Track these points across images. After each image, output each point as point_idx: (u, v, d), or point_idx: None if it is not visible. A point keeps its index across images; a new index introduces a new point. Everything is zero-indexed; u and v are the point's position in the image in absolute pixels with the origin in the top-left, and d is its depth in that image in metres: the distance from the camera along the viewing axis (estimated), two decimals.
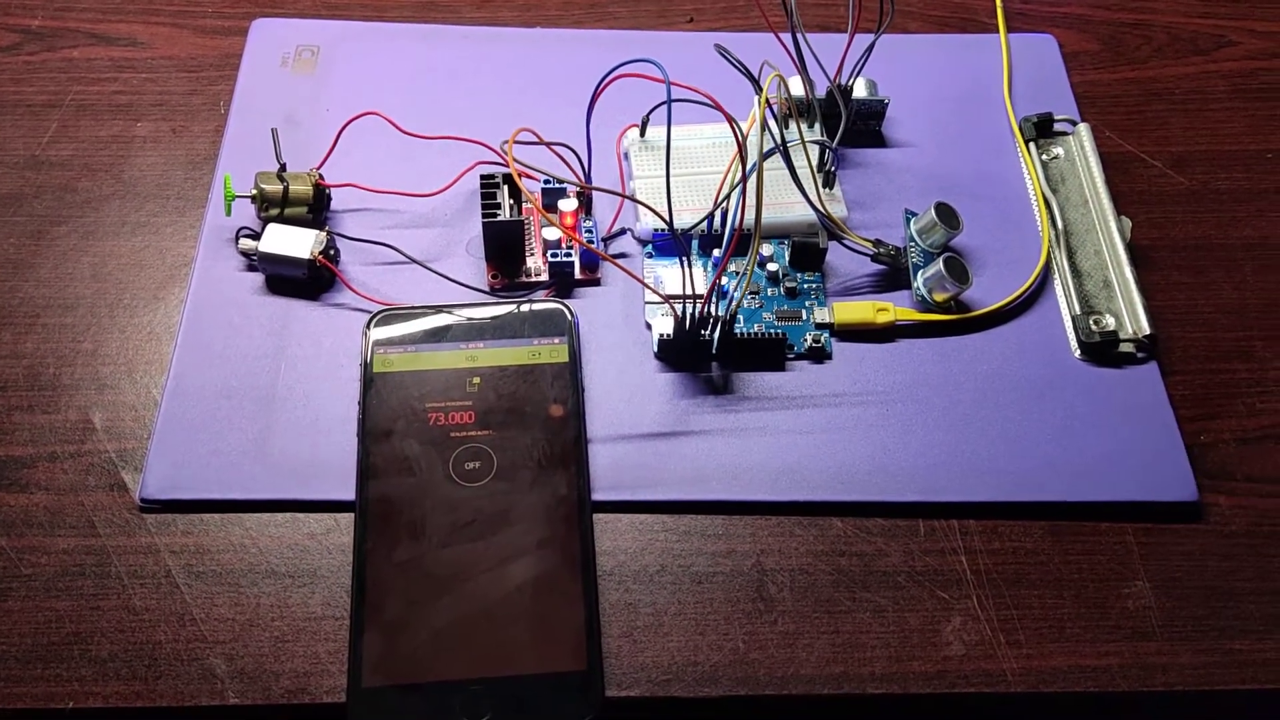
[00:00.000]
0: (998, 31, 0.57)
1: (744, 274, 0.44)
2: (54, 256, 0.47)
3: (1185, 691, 0.39)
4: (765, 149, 0.42)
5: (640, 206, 0.48)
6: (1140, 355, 0.46)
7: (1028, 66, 0.56)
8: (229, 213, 0.47)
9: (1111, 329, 0.46)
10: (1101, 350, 0.46)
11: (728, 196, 0.46)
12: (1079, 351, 0.46)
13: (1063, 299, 0.47)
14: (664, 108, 0.42)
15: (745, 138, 0.41)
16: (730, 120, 0.41)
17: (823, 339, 0.46)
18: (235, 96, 0.52)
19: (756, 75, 0.47)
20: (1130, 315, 0.46)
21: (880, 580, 0.41)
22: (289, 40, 0.55)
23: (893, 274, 0.48)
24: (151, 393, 0.44)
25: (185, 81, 0.53)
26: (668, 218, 0.41)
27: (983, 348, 0.46)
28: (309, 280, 0.46)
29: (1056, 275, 0.48)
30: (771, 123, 0.44)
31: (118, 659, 0.38)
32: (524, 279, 0.47)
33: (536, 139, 0.47)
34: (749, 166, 0.41)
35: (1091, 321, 0.46)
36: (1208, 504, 0.43)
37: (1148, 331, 0.45)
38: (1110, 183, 0.50)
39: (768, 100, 0.43)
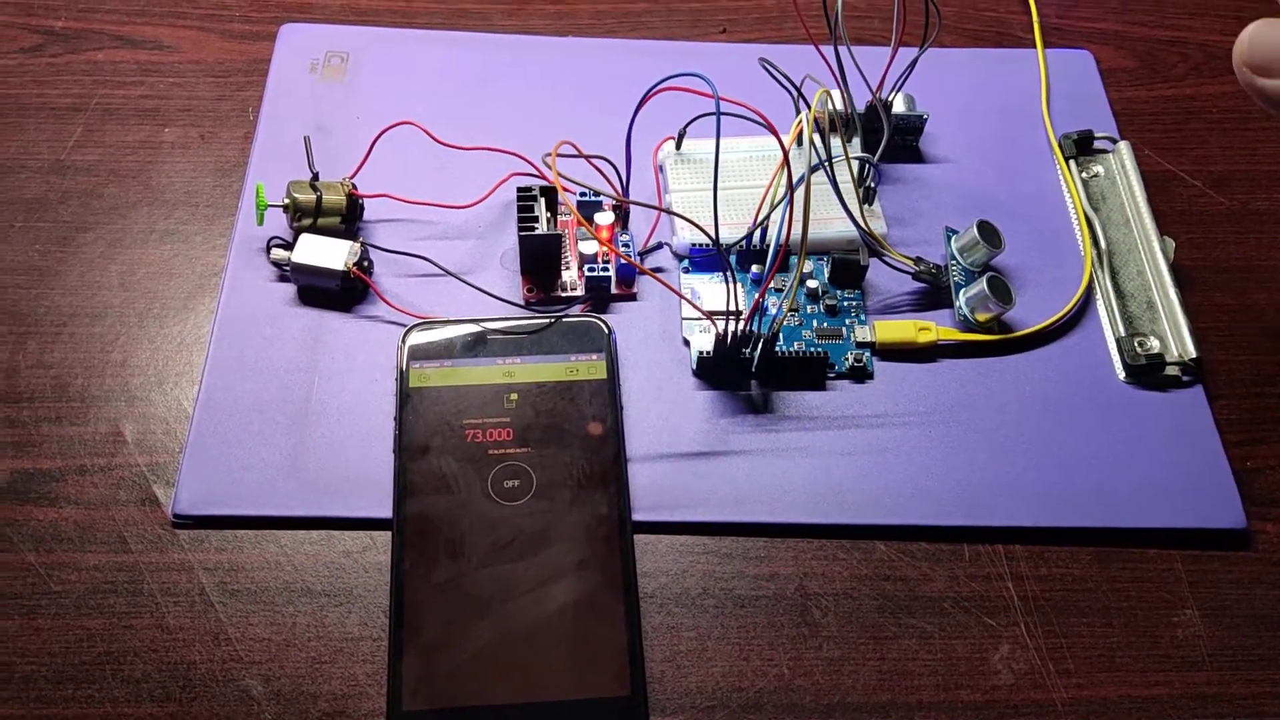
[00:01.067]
0: (1034, 47, 0.56)
1: (787, 291, 0.43)
2: (81, 264, 0.46)
3: None
4: (811, 164, 0.41)
5: (677, 220, 0.47)
6: (1185, 379, 0.45)
7: (1065, 83, 0.55)
8: (261, 222, 0.46)
9: (1157, 351, 0.45)
10: (1147, 373, 0.45)
11: (770, 213, 0.45)
12: (1124, 374, 0.45)
13: (1106, 320, 0.47)
14: (701, 120, 0.41)
15: (787, 154, 0.41)
16: (777, 135, 0.40)
17: (864, 358, 0.45)
18: (264, 103, 0.51)
19: (798, 88, 0.46)
20: (1175, 337, 0.46)
21: (925, 606, 0.40)
22: (318, 46, 0.54)
23: (933, 292, 0.47)
24: (183, 405, 0.43)
25: (213, 86, 0.52)
26: (713, 233, 0.41)
27: (1026, 369, 0.46)
28: (342, 292, 0.45)
29: (1099, 296, 0.48)
30: (816, 138, 0.43)
31: (151, 679, 0.37)
32: (560, 293, 0.47)
33: (576, 151, 0.46)
34: (796, 181, 0.40)
35: (1136, 343, 0.45)
36: (1255, 531, 0.43)
37: (1193, 354, 0.45)
38: (1151, 202, 0.49)
39: (815, 115, 0.42)
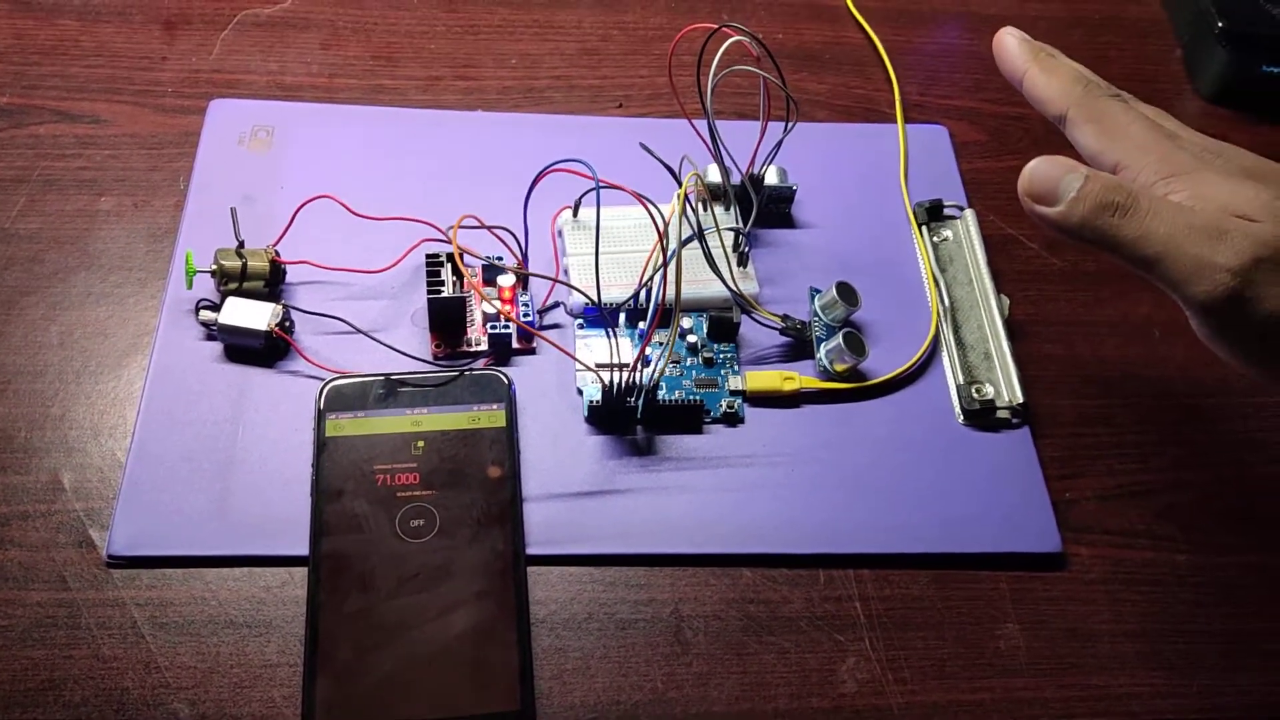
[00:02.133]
0: (896, 122, 0.63)
1: (666, 346, 0.48)
2: (24, 325, 0.50)
3: None
4: (684, 236, 0.47)
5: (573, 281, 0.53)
6: (1015, 421, 0.52)
7: (922, 154, 0.62)
8: (190, 286, 0.50)
9: (990, 397, 0.51)
10: (981, 416, 0.51)
11: (651, 278, 0.50)
12: (962, 417, 0.52)
13: (949, 369, 0.53)
14: (593, 192, 0.47)
15: (666, 225, 0.46)
16: (651, 213, 0.46)
17: (736, 405, 0.51)
18: (194, 173, 0.56)
19: (678, 167, 0.52)
20: (1006, 385, 0.52)
21: (784, 625, 0.46)
22: (245, 120, 0.58)
23: (799, 345, 0.53)
24: (117, 455, 0.47)
25: (146, 158, 0.57)
26: (597, 298, 0.46)
27: (878, 413, 0.52)
28: (265, 350, 0.50)
29: (944, 348, 0.54)
30: (690, 213, 0.49)
31: (89, 704, 0.42)
32: (465, 349, 0.52)
33: (478, 223, 0.51)
34: (669, 253, 0.46)
35: (973, 390, 0.52)
36: (1070, 554, 0.49)
37: (1020, 400, 0.51)
38: (992, 263, 0.56)
39: (686, 192, 0.48)
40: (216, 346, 0.50)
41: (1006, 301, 0.54)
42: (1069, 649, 0.46)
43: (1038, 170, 0.39)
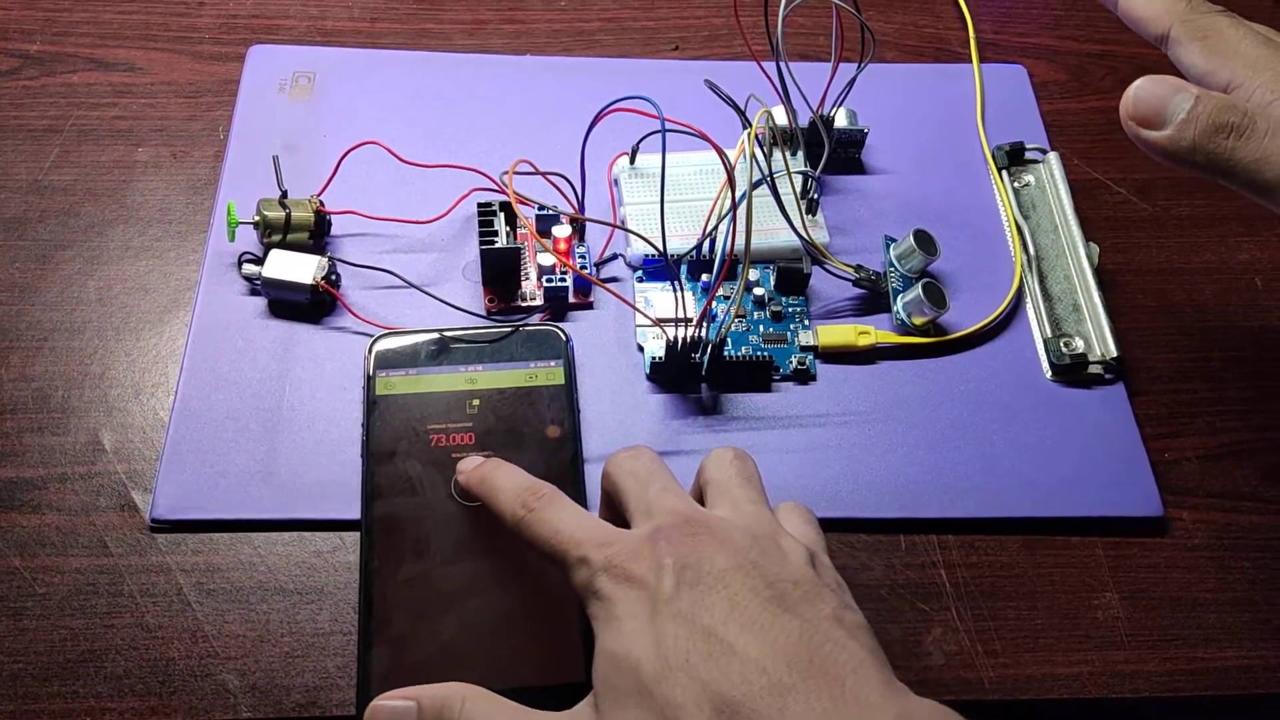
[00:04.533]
0: (970, 62, 0.59)
1: (733, 299, 0.45)
2: (60, 280, 0.48)
3: (1152, 698, 0.42)
4: (753, 179, 0.44)
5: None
6: (1108, 376, 0.48)
7: (999, 96, 0.58)
8: (232, 238, 0.48)
9: (1081, 351, 0.48)
10: (1071, 372, 0.48)
11: (717, 226, 0.47)
12: (1050, 373, 0.48)
13: (1035, 322, 0.50)
14: (652, 136, 0.44)
15: (734, 168, 0.43)
16: (721, 154, 0.43)
17: (807, 361, 0.48)
18: (234, 122, 0.54)
19: (742, 107, 0.49)
20: (1098, 338, 0.48)
21: (864, 593, 0.43)
22: (286, 67, 0.56)
23: (873, 298, 0.50)
24: (159, 415, 0.45)
25: (184, 107, 0.54)
26: (662, 246, 0.43)
27: (960, 369, 0.48)
28: (311, 305, 0.47)
29: (1029, 299, 0.50)
30: (758, 154, 0.46)
31: (132, 675, 0.40)
32: (519, 303, 0.49)
33: (533, 169, 0.48)
34: (739, 195, 0.43)
35: (1062, 344, 0.48)
36: (1172, 518, 0.45)
37: (1114, 354, 0.48)
38: (1079, 209, 0.52)
39: (756, 132, 0.45)
40: (260, 301, 0.48)
41: (1095, 249, 0.51)
42: (1172, 619, 0.43)
43: (1143, 90, 0.36)
